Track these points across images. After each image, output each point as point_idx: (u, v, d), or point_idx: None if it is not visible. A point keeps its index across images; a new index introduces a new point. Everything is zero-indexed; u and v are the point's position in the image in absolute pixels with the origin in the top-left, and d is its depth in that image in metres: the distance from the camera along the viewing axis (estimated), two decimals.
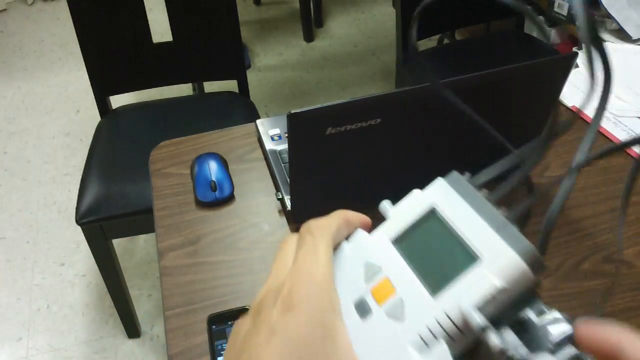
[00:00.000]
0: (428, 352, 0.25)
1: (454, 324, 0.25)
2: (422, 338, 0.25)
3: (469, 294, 0.25)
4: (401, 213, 0.30)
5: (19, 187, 1.97)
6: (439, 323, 0.25)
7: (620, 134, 0.91)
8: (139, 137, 1.36)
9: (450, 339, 0.25)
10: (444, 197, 0.29)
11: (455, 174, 0.29)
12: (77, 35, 1.32)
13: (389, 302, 0.27)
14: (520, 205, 0.27)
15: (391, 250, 0.29)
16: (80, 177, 1.30)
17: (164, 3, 1.34)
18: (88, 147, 1.37)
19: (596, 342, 0.23)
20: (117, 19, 1.33)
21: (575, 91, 1.01)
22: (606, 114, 0.96)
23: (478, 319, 0.24)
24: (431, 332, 0.25)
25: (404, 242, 0.29)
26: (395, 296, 0.27)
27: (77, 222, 1.20)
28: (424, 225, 0.29)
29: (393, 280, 0.28)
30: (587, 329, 0.23)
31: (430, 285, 0.26)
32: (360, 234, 0.31)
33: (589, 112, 0.95)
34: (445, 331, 0.25)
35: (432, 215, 0.29)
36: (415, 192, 0.30)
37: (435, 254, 0.28)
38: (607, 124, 0.93)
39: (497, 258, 0.25)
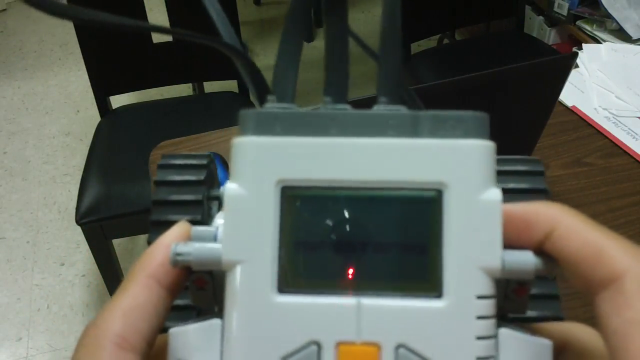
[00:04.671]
0: None
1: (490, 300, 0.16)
2: None
3: (478, 244, 0.16)
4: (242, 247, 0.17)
5: (19, 187, 1.97)
6: (479, 318, 0.16)
7: (621, 134, 0.91)
8: (139, 137, 1.36)
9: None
10: (286, 161, 0.17)
11: (246, 114, 0.18)
12: (77, 35, 1.32)
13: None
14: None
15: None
16: (80, 177, 1.30)
17: (164, 3, 1.34)
18: (88, 147, 1.37)
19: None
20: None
21: (575, 91, 1.01)
22: (606, 113, 0.96)
23: (530, 260, 0.17)
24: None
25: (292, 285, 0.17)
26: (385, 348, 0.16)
27: (77, 222, 1.20)
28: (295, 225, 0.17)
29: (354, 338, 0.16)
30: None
31: (421, 299, 0.16)
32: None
33: (587, 110, 0.95)
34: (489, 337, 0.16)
35: (298, 199, 0.17)
36: (229, 189, 0.17)
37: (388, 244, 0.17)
38: (607, 124, 0.93)
39: (458, 167, 0.16)
